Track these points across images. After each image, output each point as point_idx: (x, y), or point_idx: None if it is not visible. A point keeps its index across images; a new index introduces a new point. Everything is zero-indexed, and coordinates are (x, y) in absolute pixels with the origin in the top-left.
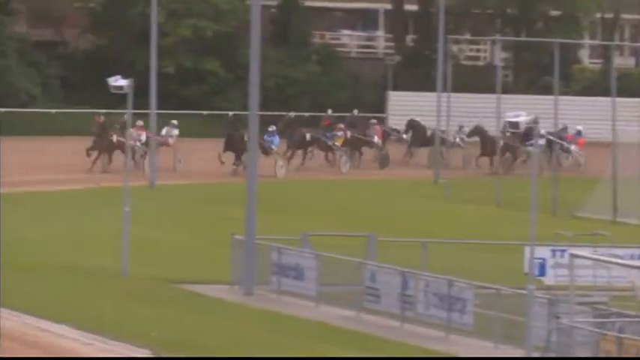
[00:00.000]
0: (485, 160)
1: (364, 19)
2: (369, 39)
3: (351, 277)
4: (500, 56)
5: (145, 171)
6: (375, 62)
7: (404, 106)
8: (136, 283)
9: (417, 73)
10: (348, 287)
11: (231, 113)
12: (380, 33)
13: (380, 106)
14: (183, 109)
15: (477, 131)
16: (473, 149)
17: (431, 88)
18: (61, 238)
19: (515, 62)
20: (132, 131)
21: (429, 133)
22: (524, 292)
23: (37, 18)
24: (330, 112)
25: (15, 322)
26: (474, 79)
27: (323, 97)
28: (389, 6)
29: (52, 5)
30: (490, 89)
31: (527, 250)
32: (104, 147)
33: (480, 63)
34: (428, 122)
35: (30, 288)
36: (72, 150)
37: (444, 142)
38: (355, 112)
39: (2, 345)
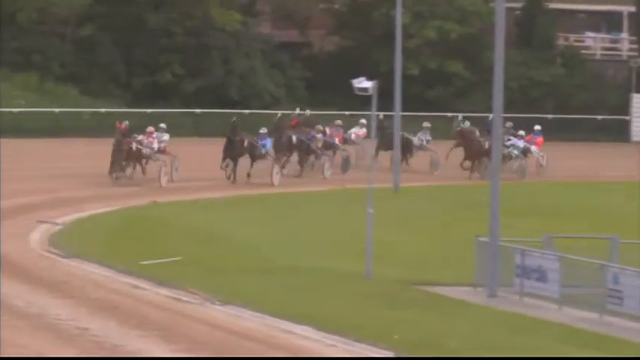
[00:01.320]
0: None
1: (608, 21)
2: (613, 41)
3: (593, 279)
4: None
5: (161, 181)
6: (619, 64)
7: None
8: (379, 285)
9: None
10: (591, 289)
11: (234, 118)
12: (624, 35)
13: (623, 108)
14: (427, 111)
15: (462, 134)
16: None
17: None
18: (300, 240)
19: None
20: (142, 138)
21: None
22: None
23: (282, 19)
24: (298, 110)
25: (257, 323)
26: None
27: (567, 99)
28: (633, 8)
29: (297, 7)
30: None
31: None
32: (122, 156)
33: None
34: None
35: (272, 290)
36: None
37: (408, 144)
38: (307, 112)
39: (244, 345)
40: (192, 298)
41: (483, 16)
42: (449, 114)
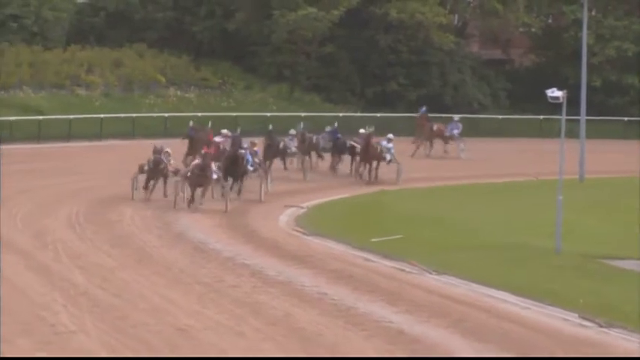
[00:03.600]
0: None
1: None
2: None
3: None
4: None
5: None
6: None
7: None
8: (567, 259)
9: None
10: None
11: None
12: None
13: None
14: (608, 116)
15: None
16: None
17: None
18: (501, 222)
19: None
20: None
21: (281, 144)
22: None
23: (488, 41)
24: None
25: (465, 289)
26: None
27: None
28: None
29: (501, 30)
30: None
31: None
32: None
33: None
34: None
35: (477, 263)
36: (516, 149)
37: (284, 151)
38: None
39: (454, 307)
40: (413, 269)
41: None
42: (625, 118)
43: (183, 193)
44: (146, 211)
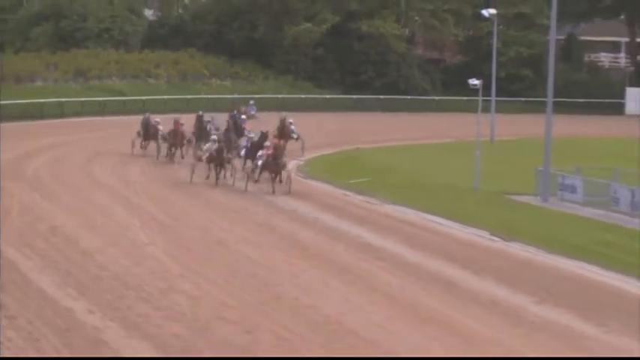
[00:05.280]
0: None
1: (613, 46)
2: (615, 58)
3: (602, 191)
4: None
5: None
6: (619, 71)
7: None
8: (482, 195)
9: None
10: (600, 197)
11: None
12: (622, 54)
13: (621, 95)
14: (510, 97)
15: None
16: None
17: None
18: (437, 169)
19: None
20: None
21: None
22: None
23: (429, 46)
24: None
25: (414, 216)
26: None
27: (590, 90)
28: (627, 39)
29: (438, 39)
30: None
31: None
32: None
33: None
34: None
35: (421, 197)
36: (447, 121)
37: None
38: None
39: (406, 230)
40: (376, 201)
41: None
42: (522, 99)
43: (257, 177)
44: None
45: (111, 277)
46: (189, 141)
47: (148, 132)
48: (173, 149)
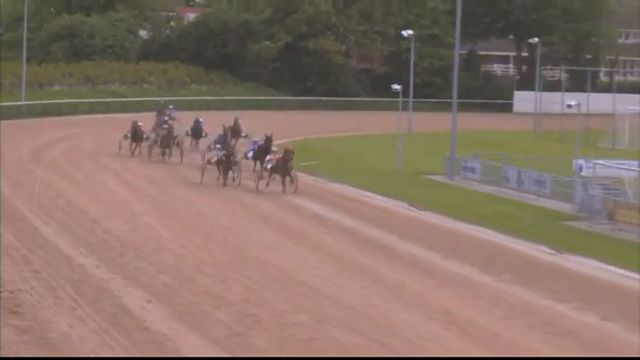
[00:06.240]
0: None
1: (504, 59)
2: (506, 68)
3: (496, 171)
4: None
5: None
6: (508, 79)
7: None
8: (404, 176)
9: None
10: (494, 176)
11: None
12: (511, 65)
13: (510, 96)
14: (424, 99)
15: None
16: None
17: None
18: (369, 155)
19: None
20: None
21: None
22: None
23: (361, 59)
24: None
25: (353, 192)
26: None
27: (486, 93)
28: (515, 53)
29: (368, 53)
30: None
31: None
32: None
33: None
34: None
35: (357, 177)
36: (375, 118)
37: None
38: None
39: (346, 203)
40: (323, 180)
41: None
42: (434, 100)
43: (268, 180)
44: (193, 153)
45: (114, 239)
46: (177, 144)
47: (137, 136)
48: (167, 150)
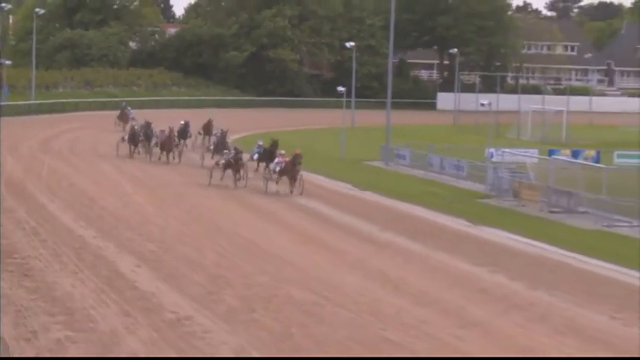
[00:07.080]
0: None
1: (428, 66)
2: (431, 74)
3: (422, 158)
4: None
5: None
6: (432, 83)
7: None
8: (347, 162)
9: None
10: (422, 162)
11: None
12: (434, 71)
13: (433, 96)
14: (364, 99)
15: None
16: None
17: None
18: (317, 144)
19: None
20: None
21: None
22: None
23: (312, 66)
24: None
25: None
26: None
27: (413, 95)
28: (438, 61)
29: (319, 61)
30: None
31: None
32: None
33: None
34: None
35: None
36: (320, 115)
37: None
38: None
39: (313, 188)
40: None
41: None
42: (372, 100)
43: (277, 180)
44: (190, 153)
45: (108, 214)
46: (176, 145)
47: (135, 139)
48: (165, 152)
